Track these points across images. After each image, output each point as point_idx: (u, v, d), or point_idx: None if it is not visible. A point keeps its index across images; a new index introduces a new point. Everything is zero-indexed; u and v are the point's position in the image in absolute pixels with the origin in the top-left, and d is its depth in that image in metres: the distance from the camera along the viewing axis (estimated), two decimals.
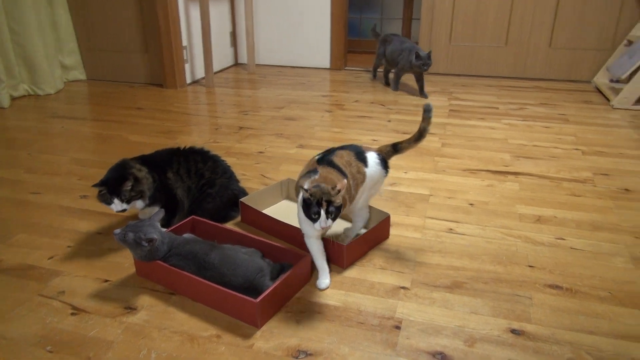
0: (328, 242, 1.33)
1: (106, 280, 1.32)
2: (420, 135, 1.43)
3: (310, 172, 1.26)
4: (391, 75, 3.43)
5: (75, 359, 1.06)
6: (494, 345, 1.10)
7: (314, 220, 1.15)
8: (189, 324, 1.17)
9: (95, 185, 1.40)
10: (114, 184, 1.39)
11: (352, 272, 1.35)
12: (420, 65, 2.98)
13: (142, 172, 1.45)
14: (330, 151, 1.36)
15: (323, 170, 1.25)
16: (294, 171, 2.00)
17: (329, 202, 1.14)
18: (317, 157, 1.33)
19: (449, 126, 2.56)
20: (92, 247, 1.48)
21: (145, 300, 1.25)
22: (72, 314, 1.20)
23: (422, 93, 3.15)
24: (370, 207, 1.54)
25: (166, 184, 1.50)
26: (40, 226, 1.59)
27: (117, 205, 1.40)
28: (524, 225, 1.59)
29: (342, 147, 1.38)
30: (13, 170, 2.01)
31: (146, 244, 1.23)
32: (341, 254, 1.35)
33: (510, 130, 2.49)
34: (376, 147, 1.48)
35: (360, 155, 1.38)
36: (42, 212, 1.68)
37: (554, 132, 2.45)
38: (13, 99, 3.01)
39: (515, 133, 2.44)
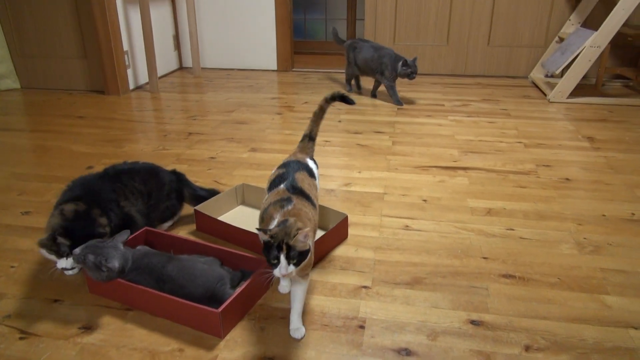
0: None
1: (56, 300, 1.26)
2: (320, 111, 1.48)
3: (283, 200, 1.13)
4: (380, 87, 3.17)
5: None
6: (455, 337, 1.13)
7: (274, 266, 1.00)
8: (149, 339, 1.13)
9: (53, 235, 1.22)
10: (79, 239, 1.22)
11: (314, 275, 1.35)
12: (409, 74, 2.83)
13: (104, 223, 1.29)
14: (288, 174, 1.24)
15: (298, 202, 1.13)
16: (248, 175, 1.97)
17: (290, 247, 0.99)
18: (286, 186, 1.20)
19: (397, 124, 2.61)
20: (38, 265, 1.40)
21: (100, 319, 1.19)
22: (21, 338, 1.13)
23: (373, 94, 3.17)
24: (327, 209, 1.55)
25: (122, 213, 1.38)
26: None
27: (67, 262, 1.25)
28: (476, 218, 1.65)
29: (290, 167, 1.28)
30: None
31: (105, 270, 1.17)
32: None
33: (456, 126, 2.58)
34: (297, 146, 1.47)
35: (310, 171, 1.32)
36: None
37: (497, 127, 2.55)
38: None
39: (462, 129, 2.52)
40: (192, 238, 1.42)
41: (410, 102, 3.04)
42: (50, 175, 1.99)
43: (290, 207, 1.11)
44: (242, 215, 1.68)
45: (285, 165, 1.31)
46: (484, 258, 1.43)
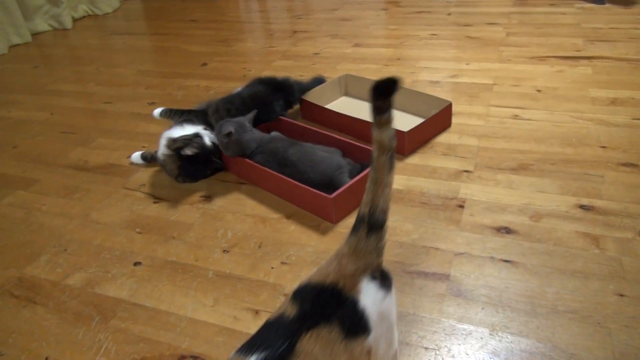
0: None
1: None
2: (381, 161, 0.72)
3: None
4: None
5: (161, 238, 1.17)
6: (561, 219, 1.09)
7: None
8: (260, 209, 1.24)
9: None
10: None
11: (414, 159, 1.36)
12: None
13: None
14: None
15: None
16: (351, 69, 1.97)
17: None
18: None
19: (514, 15, 2.39)
20: None
21: (218, 190, 1.33)
22: (155, 202, 1.30)
23: None
24: (429, 95, 1.50)
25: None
26: (116, 131, 1.69)
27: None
28: (597, 108, 1.51)
29: None
30: (84, 84, 2.11)
31: (225, 139, 1.28)
32: (402, 141, 1.35)
33: (584, 14, 2.29)
34: (341, 248, 0.70)
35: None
36: (115, 118, 1.78)
37: (635, 13, 2.23)
38: (75, 20, 3.09)
39: (590, 17, 2.24)
40: (319, 129, 1.43)
41: None
42: (170, 71, 2.15)
43: None
44: (346, 105, 1.70)
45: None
46: (602, 147, 1.32)
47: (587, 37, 2.02)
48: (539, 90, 1.65)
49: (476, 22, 2.34)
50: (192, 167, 1.33)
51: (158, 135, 1.58)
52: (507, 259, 1.01)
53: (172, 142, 1.31)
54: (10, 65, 2.44)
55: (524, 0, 2.58)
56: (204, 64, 2.19)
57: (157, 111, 1.50)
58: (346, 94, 1.77)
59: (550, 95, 1.61)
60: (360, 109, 1.64)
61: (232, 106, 1.45)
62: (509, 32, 2.18)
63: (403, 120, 1.53)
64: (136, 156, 1.48)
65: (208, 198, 1.30)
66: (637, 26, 2.08)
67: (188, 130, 1.36)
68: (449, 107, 1.46)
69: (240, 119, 1.32)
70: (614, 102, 1.53)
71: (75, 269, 1.10)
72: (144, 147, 1.57)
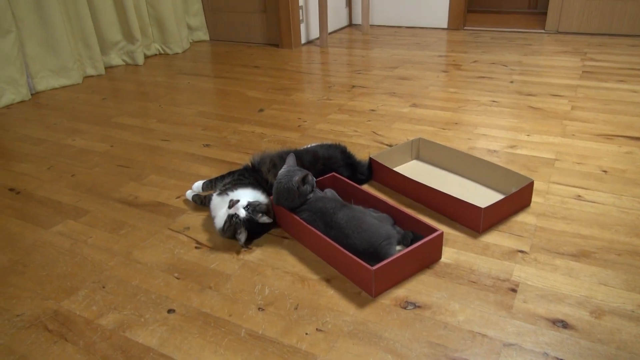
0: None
1: None
2: None
3: None
4: None
5: (198, 287, 1.15)
6: (626, 319, 1.00)
7: None
8: (300, 267, 1.21)
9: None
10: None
11: (465, 232, 1.30)
12: None
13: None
14: None
15: None
16: (407, 129, 1.95)
17: None
18: None
19: (580, 88, 2.31)
20: (212, 190, 1.58)
21: (260, 241, 1.31)
22: (196, 247, 1.30)
23: None
24: (511, 171, 1.43)
25: None
26: (168, 169, 1.73)
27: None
28: None
29: None
30: (146, 120, 2.20)
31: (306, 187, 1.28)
32: (478, 218, 1.28)
33: None
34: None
35: None
36: (170, 157, 1.82)
37: None
38: (146, 57, 3.27)
39: None
40: (374, 192, 1.42)
41: (599, 66, 2.66)
42: (228, 115, 2.21)
43: None
44: (416, 169, 1.65)
45: None
46: None
47: None
48: (604, 171, 1.56)
49: (540, 93, 2.29)
50: (254, 233, 1.31)
51: (208, 177, 1.59)
52: (562, 357, 0.92)
53: (257, 205, 1.29)
54: (82, 95, 2.59)
55: (592, 74, 2.51)
56: (261, 110, 2.24)
57: (196, 185, 1.50)
58: (417, 157, 1.72)
59: (617, 178, 1.52)
60: (429, 174, 1.60)
61: (300, 163, 1.46)
62: (574, 105, 2.11)
63: (479, 193, 1.48)
64: (197, 186, 1.50)
65: (250, 249, 1.28)
66: None
67: (256, 194, 1.34)
68: (530, 185, 1.38)
69: (307, 171, 1.31)
70: None
71: (110, 309, 1.09)
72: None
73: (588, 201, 1.41)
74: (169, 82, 2.74)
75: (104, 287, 1.16)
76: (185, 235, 1.35)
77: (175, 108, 2.33)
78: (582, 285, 1.09)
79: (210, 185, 1.49)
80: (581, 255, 1.19)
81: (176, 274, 1.20)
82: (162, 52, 3.38)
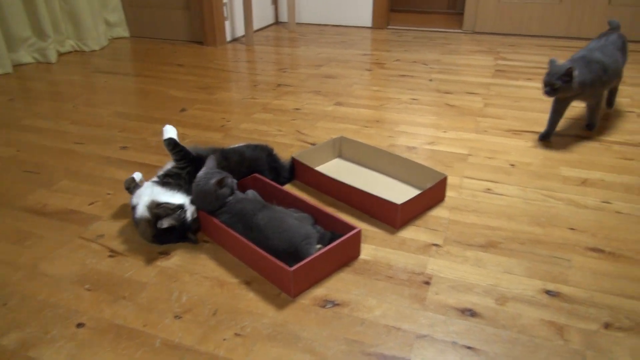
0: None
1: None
2: None
3: None
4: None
5: (111, 298, 1.10)
6: (526, 304, 1.07)
7: None
8: (219, 271, 1.19)
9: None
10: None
11: (383, 228, 1.34)
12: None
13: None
14: None
15: None
16: (331, 128, 1.97)
17: None
18: None
19: (493, 86, 2.45)
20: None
21: (179, 246, 1.27)
22: (110, 256, 1.24)
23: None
24: (423, 166, 1.50)
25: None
26: (82, 174, 1.64)
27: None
28: (568, 187, 1.52)
29: None
30: (58, 121, 2.07)
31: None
32: (395, 214, 1.32)
33: None
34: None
35: None
36: (83, 160, 1.73)
37: None
38: (60, 54, 3.09)
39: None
40: (295, 192, 1.42)
41: (510, 65, 2.83)
42: (148, 115, 2.13)
43: None
44: (338, 167, 1.67)
45: None
46: (571, 229, 1.32)
47: None
48: (512, 165, 1.66)
49: (456, 91, 2.40)
50: (165, 237, 1.27)
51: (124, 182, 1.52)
52: (469, 345, 0.97)
53: (155, 206, 1.25)
54: None
55: (504, 73, 2.66)
56: (183, 110, 2.18)
57: (168, 131, 1.43)
58: (340, 156, 1.74)
59: (523, 171, 1.62)
60: (351, 172, 1.63)
61: (226, 162, 1.43)
62: (487, 102, 2.23)
63: (397, 190, 1.52)
64: (138, 175, 1.43)
65: (167, 255, 1.25)
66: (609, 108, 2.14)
67: (177, 198, 1.29)
68: (443, 180, 1.44)
69: (226, 173, 1.28)
70: (584, 182, 1.55)
71: (11, 327, 1.02)
72: (108, 194, 1.52)
73: (497, 194, 1.50)
74: (84, 81, 2.60)
75: (5, 305, 1.08)
76: (99, 243, 1.29)
77: (91, 109, 2.22)
78: (488, 275, 1.16)
79: (174, 147, 1.40)
80: (489, 245, 1.26)
81: (87, 286, 1.14)
82: (78, 49, 3.20)
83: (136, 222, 1.28)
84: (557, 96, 1.71)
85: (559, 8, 3.33)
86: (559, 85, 1.65)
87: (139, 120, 2.08)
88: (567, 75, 1.62)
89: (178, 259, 1.23)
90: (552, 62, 1.70)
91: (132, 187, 1.38)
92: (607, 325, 1.01)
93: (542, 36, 3.44)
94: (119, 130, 1.98)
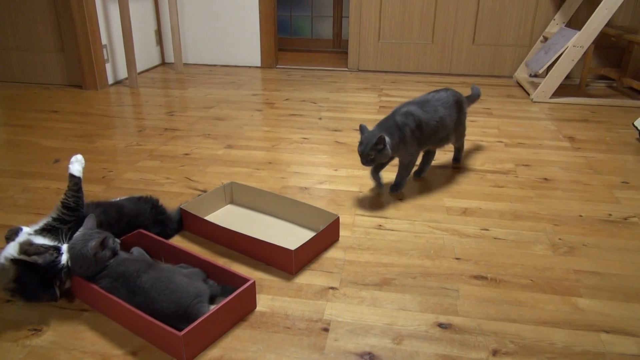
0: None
1: (8, 300, 1.20)
2: None
3: None
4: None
5: None
6: (421, 340, 1.09)
7: None
8: (101, 343, 1.07)
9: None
10: None
11: (279, 275, 1.31)
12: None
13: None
14: None
15: None
16: (221, 172, 1.92)
17: None
18: None
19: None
20: None
21: (52, 319, 1.14)
22: None
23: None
24: (316, 208, 1.50)
25: None
26: None
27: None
28: (451, 217, 1.61)
29: None
30: None
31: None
32: (289, 260, 1.29)
33: None
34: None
35: None
36: None
37: (479, 126, 2.52)
38: None
39: None
40: (182, 246, 1.33)
41: (392, 101, 3.00)
42: (16, 170, 1.93)
43: None
44: (230, 214, 1.62)
45: None
46: (457, 259, 1.39)
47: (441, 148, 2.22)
48: (400, 199, 1.74)
49: (345, 128, 2.48)
50: (28, 284, 1.13)
51: None
52: None
53: (28, 244, 1.13)
54: None
55: (387, 109, 2.81)
56: (57, 161, 2.00)
57: (75, 165, 1.31)
58: (232, 202, 1.69)
59: (410, 205, 1.70)
60: (244, 219, 1.58)
61: (105, 218, 1.31)
62: None
63: (292, 233, 1.50)
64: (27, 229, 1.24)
65: (38, 331, 1.10)
66: (482, 138, 2.34)
67: (49, 242, 1.17)
68: (336, 221, 1.45)
69: (107, 233, 1.18)
70: (465, 211, 1.65)
71: None
72: None
73: (388, 229, 1.54)
74: None
75: None
76: None
77: None
78: (384, 314, 1.18)
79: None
80: (383, 283, 1.29)
81: None
82: None
83: None
84: (376, 163, 1.63)
85: (430, 48, 3.63)
86: (374, 155, 1.58)
87: (5, 175, 1.87)
88: (379, 143, 1.56)
89: (52, 334, 1.10)
90: (362, 130, 1.65)
91: (12, 239, 1.21)
92: (494, 352, 1.06)
93: (419, 73, 3.71)
94: None
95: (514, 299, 1.23)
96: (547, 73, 2.99)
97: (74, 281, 1.18)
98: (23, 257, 1.11)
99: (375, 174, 1.76)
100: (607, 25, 2.79)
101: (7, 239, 1.23)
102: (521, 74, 3.51)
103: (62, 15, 3.04)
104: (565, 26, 3.25)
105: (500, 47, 3.54)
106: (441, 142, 1.84)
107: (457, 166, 2.00)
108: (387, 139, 1.59)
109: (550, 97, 2.96)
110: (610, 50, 3.38)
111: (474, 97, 2.05)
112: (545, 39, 3.34)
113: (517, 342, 1.09)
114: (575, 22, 3.31)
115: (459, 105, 1.84)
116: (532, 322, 1.15)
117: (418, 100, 1.76)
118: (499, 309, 1.19)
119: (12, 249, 1.13)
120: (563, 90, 3.08)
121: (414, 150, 1.72)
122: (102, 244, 1.15)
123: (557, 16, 3.34)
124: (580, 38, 2.77)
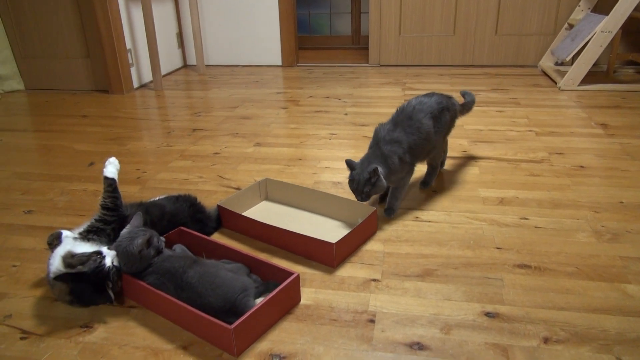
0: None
1: (56, 299, 1.22)
2: None
3: None
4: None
5: None
6: (470, 330, 1.08)
7: None
8: (152, 338, 1.09)
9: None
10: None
11: (320, 269, 1.31)
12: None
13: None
14: None
15: None
16: (253, 170, 1.93)
17: None
18: None
19: None
20: (40, 264, 1.37)
21: (102, 317, 1.16)
22: (22, 338, 1.10)
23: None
24: (351, 201, 1.50)
25: None
26: None
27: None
28: (488, 207, 1.60)
29: None
30: None
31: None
32: (331, 253, 1.29)
33: (466, 116, 2.51)
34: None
35: None
36: None
37: (507, 116, 2.49)
38: None
39: (471, 119, 2.46)
40: (223, 242, 1.34)
41: (417, 93, 2.98)
42: (52, 174, 1.97)
43: None
44: (266, 210, 1.63)
45: None
46: (498, 248, 1.38)
47: (470, 138, 2.20)
48: (434, 191, 1.72)
49: (371, 122, 2.47)
50: (83, 293, 1.14)
51: (34, 252, 1.40)
52: None
53: (70, 256, 1.14)
54: None
55: None
56: (92, 164, 2.04)
57: (110, 167, 1.32)
58: (267, 198, 1.70)
59: (445, 196, 1.68)
60: (280, 214, 1.59)
61: (148, 217, 1.33)
62: None
63: (329, 227, 1.50)
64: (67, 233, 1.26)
65: (90, 328, 1.12)
66: (511, 128, 2.31)
67: (92, 248, 1.18)
68: (374, 213, 1.45)
69: (153, 232, 1.20)
70: (501, 201, 1.64)
71: None
72: (14, 266, 1.36)
73: (425, 221, 1.53)
74: None
75: None
76: (7, 325, 1.14)
77: None
78: (430, 304, 1.17)
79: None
80: (425, 274, 1.28)
81: None
82: None
83: (51, 284, 1.15)
84: (372, 195, 1.48)
85: (452, 40, 3.60)
86: (369, 190, 1.44)
87: (43, 179, 1.91)
88: (373, 176, 1.43)
89: (103, 330, 1.12)
90: (350, 165, 1.51)
91: (55, 244, 1.24)
92: (546, 340, 1.04)
93: (441, 65, 3.68)
94: (20, 193, 1.80)
95: (560, 287, 1.21)
96: (573, 61, 2.94)
97: (124, 279, 1.20)
98: (68, 270, 1.13)
99: (383, 202, 1.64)
100: (635, 9, 2.72)
101: (49, 244, 1.26)
102: (546, 63, 3.45)
103: (87, 22, 3.09)
104: (591, 12, 3.19)
105: (524, 36, 3.49)
106: (431, 155, 1.68)
107: (425, 190, 1.74)
108: (379, 169, 1.44)
109: (579, 85, 2.90)
110: (638, 35, 3.31)
111: (469, 105, 1.85)
112: (571, 26, 3.28)
113: (568, 330, 1.07)
114: (601, 8, 3.25)
115: (444, 113, 1.62)
116: (582, 310, 1.13)
117: (400, 119, 1.55)
118: (546, 297, 1.17)
119: (57, 263, 1.15)
120: (590, 77, 3.02)
121: (405, 174, 1.55)
122: (148, 242, 1.16)
123: (582, 2, 3.28)
124: (608, 23, 2.72)
